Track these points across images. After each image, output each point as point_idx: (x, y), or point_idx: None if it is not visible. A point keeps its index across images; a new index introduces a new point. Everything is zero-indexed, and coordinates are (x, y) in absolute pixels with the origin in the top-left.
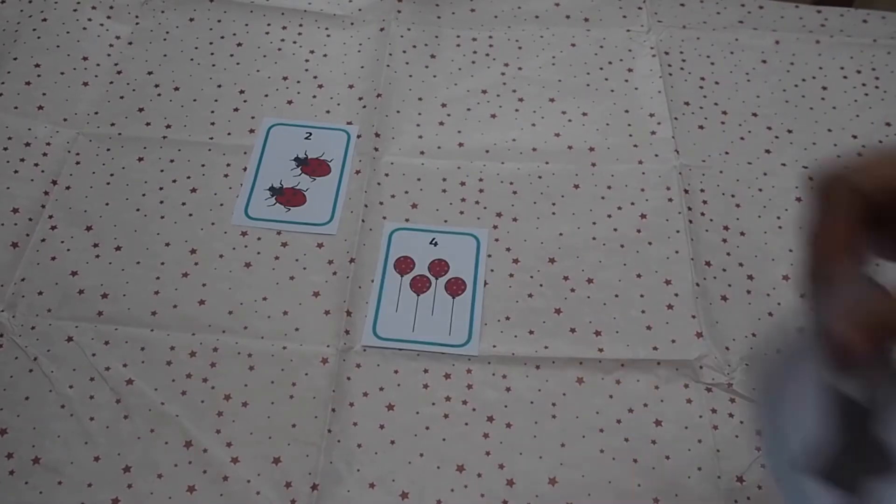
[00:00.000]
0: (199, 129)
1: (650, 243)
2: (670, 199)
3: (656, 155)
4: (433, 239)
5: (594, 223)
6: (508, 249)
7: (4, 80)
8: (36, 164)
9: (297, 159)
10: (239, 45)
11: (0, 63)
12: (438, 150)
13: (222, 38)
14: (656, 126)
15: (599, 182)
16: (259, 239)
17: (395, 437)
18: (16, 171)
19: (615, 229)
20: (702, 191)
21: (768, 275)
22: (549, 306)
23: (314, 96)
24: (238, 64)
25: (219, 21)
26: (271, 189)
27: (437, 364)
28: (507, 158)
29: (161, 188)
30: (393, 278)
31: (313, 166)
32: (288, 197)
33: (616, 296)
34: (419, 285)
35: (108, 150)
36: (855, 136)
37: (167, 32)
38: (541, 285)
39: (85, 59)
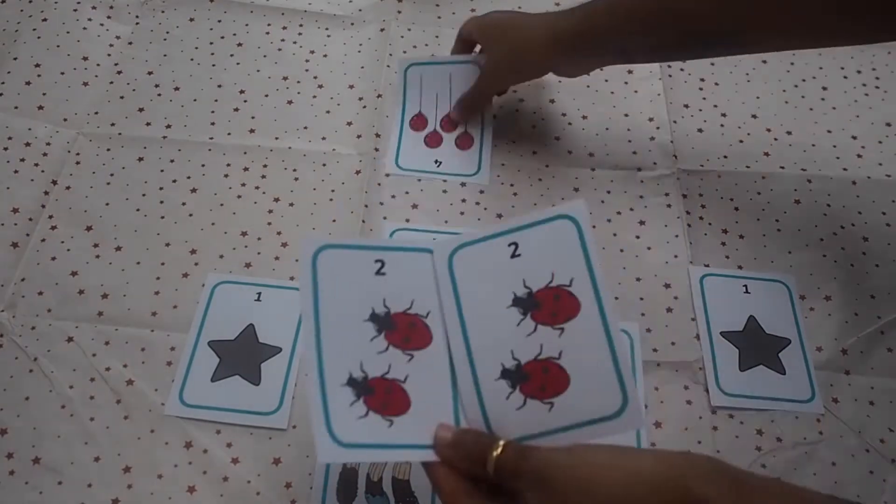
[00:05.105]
0: (199, 129)
1: (649, 248)
2: (669, 206)
3: (655, 163)
4: (434, 239)
5: (594, 227)
6: None
7: (4, 80)
8: (36, 164)
9: None
10: (239, 45)
11: (0, 63)
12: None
13: (222, 38)
14: (655, 131)
15: (599, 187)
16: (259, 239)
17: None
18: (16, 171)
19: (615, 234)
20: (700, 195)
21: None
22: None
23: (314, 96)
24: (238, 64)
25: (219, 21)
26: None
27: None
28: (508, 160)
29: (161, 188)
30: None
31: None
32: None
33: (616, 298)
34: None
35: (108, 150)
36: (855, 137)
37: (167, 32)
38: None
39: (85, 59)
